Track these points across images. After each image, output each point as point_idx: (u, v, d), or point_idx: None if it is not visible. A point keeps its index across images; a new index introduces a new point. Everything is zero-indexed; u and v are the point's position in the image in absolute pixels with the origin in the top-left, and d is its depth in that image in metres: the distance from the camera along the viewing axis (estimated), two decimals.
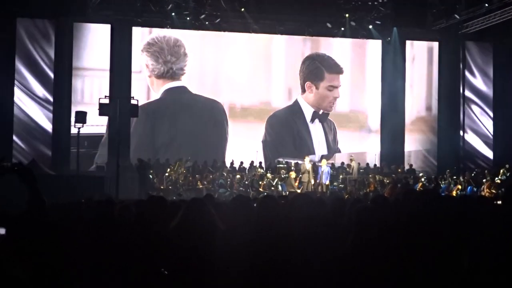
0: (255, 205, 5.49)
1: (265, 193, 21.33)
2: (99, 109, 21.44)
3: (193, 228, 4.98)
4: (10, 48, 24.91)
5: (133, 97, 22.60)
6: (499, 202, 8.60)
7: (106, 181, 20.94)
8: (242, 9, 26.56)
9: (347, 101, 28.56)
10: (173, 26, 26.67)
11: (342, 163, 26.70)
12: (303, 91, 27.82)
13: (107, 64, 25.99)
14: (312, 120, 27.85)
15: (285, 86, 28.12)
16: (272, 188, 23.60)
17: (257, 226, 4.95)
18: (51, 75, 25.34)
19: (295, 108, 27.87)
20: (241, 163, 26.11)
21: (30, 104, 25.07)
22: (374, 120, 28.63)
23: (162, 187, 23.37)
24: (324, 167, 23.68)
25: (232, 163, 26.02)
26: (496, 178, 23.20)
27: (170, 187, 23.50)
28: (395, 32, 28.04)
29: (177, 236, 5.02)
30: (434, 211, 4.68)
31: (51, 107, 25.22)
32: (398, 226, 4.71)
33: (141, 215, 5.87)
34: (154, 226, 5.53)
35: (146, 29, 26.86)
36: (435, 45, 28.90)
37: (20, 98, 24.99)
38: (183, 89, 26.94)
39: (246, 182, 23.98)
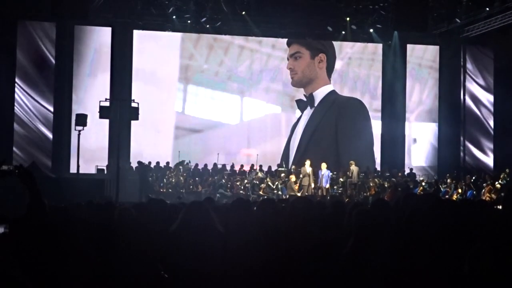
0: (255, 208, 5.49)
1: (265, 197, 21.35)
2: (100, 111, 21.47)
3: (193, 231, 4.98)
4: (11, 51, 24.92)
5: (133, 100, 22.62)
6: (500, 207, 8.59)
7: (106, 184, 20.95)
8: (243, 13, 26.57)
9: None
10: (174, 29, 26.69)
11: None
12: None
13: (108, 67, 26.02)
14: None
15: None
16: (273, 191, 23.61)
17: (257, 229, 4.95)
18: (52, 78, 25.35)
19: None
20: (241, 166, 26.11)
21: (31, 107, 25.08)
22: (374, 122, 28.57)
23: (162, 190, 23.39)
24: (324, 171, 23.68)
25: (232, 166, 26.02)
26: (497, 183, 23.18)
27: (170, 190, 23.51)
28: (396, 36, 28.04)
29: (177, 239, 5.02)
30: (434, 215, 4.68)
31: (52, 110, 25.23)
32: (398, 229, 4.71)
33: (141, 218, 5.87)
34: (154, 228, 5.53)
35: (147, 32, 26.88)
36: (436, 49, 28.91)
37: (20, 100, 24.99)
38: None
39: (247, 186, 23.98)
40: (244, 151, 27.51)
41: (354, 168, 24.76)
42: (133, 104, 22.01)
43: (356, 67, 28.81)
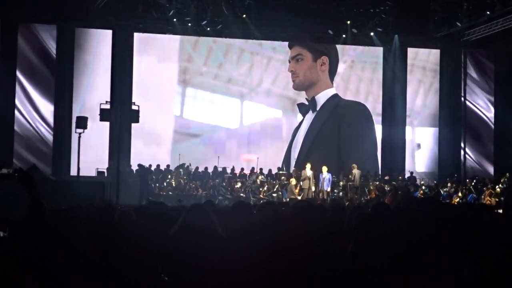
0: (255, 211, 5.49)
1: (266, 200, 21.34)
2: (100, 114, 21.48)
3: (193, 234, 4.98)
4: (12, 54, 24.94)
5: (134, 103, 22.63)
6: (500, 211, 8.58)
7: (106, 187, 20.94)
8: (244, 16, 26.57)
9: None
10: (175, 32, 26.70)
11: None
12: None
13: (108, 70, 26.02)
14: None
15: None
16: (274, 194, 23.58)
17: (258, 233, 4.94)
18: (53, 80, 25.36)
19: None
20: (242, 169, 26.08)
21: (31, 109, 25.08)
22: (376, 126, 28.53)
23: (162, 193, 23.37)
24: (325, 174, 23.66)
25: (233, 169, 26.00)
26: (497, 187, 23.17)
27: (170, 193, 23.50)
28: (396, 39, 28.02)
29: (177, 242, 5.01)
30: (434, 219, 4.68)
31: (52, 112, 25.23)
32: (399, 233, 4.71)
33: (142, 221, 5.86)
34: (154, 231, 5.52)
35: (148, 35, 26.87)
36: (437, 52, 28.89)
37: (21, 103, 24.99)
38: None
39: (247, 189, 23.97)
40: (244, 156, 27.41)
41: (356, 171, 24.75)
42: (134, 107, 22.04)
43: (359, 71, 28.75)
